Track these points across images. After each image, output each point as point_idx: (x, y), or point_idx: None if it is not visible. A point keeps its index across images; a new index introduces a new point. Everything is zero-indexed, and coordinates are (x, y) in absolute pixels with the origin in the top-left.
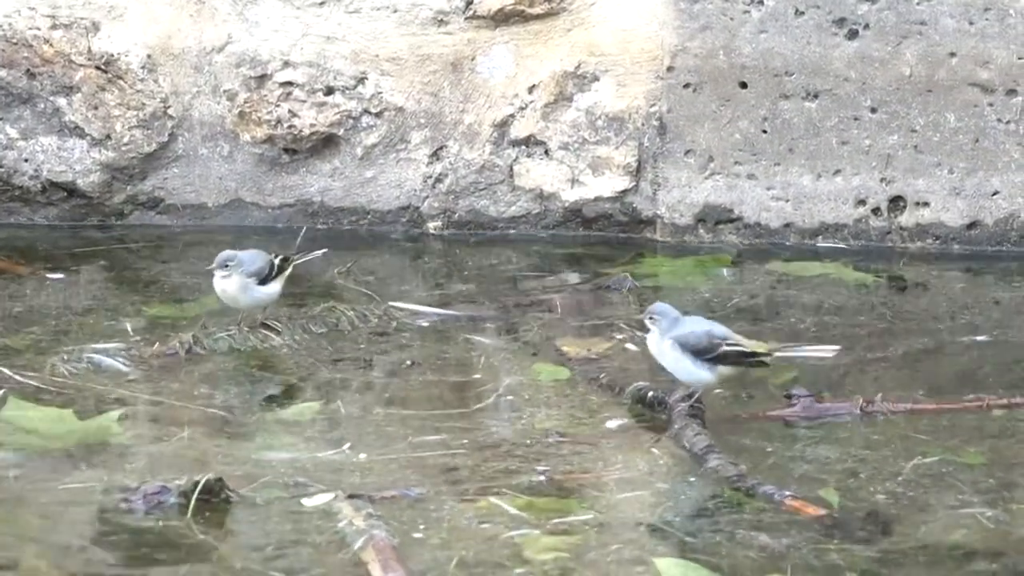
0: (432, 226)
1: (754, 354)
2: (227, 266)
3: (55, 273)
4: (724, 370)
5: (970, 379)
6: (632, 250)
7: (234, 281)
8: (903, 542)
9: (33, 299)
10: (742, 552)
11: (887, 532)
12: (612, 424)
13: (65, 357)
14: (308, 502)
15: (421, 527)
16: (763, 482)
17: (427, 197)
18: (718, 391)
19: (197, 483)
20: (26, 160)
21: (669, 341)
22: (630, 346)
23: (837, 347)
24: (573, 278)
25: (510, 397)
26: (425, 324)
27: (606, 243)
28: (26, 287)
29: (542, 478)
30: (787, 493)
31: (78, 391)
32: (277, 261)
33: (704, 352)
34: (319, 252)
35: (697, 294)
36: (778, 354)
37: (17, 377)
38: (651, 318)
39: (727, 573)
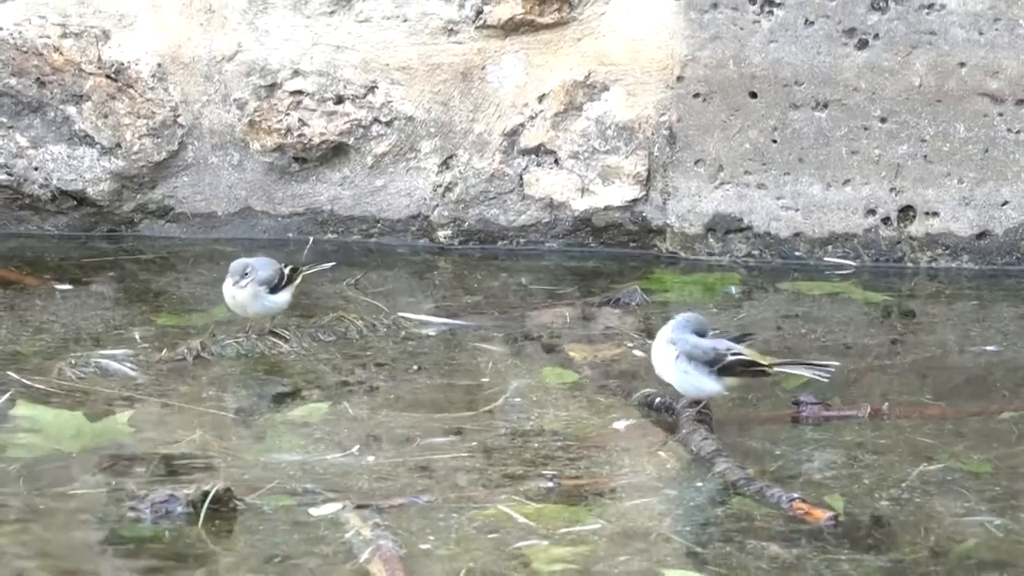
0: (442, 235)
1: (756, 364)
2: (246, 274)
3: (64, 284)
4: (730, 381)
5: (979, 387)
6: (642, 262)
7: (247, 289)
8: (913, 551)
9: (42, 309)
10: (753, 563)
11: (896, 541)
12: (619, 425)
13: (73, 362)
14: (315, 511)
15: (429, 537)
16: (770, 485)
17: (437, 206)
18: (725, 394)
19: (206, 493)
20: (36, 168)
21: (677, 354)
22: (638, 352)
23: (836, 363)
24: (583, 290)
25: (518, 399)
26: (434, 333)
27: (615, 256)
28: (35, 298)
29: (551, 484)
30: (794, 497)
31: (86, 395)
32: (287, 271)
33: (712, 363)
34: (327, 265)
35: (707, 312)
36: (777, 368)
37: (25, 381)
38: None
39: None
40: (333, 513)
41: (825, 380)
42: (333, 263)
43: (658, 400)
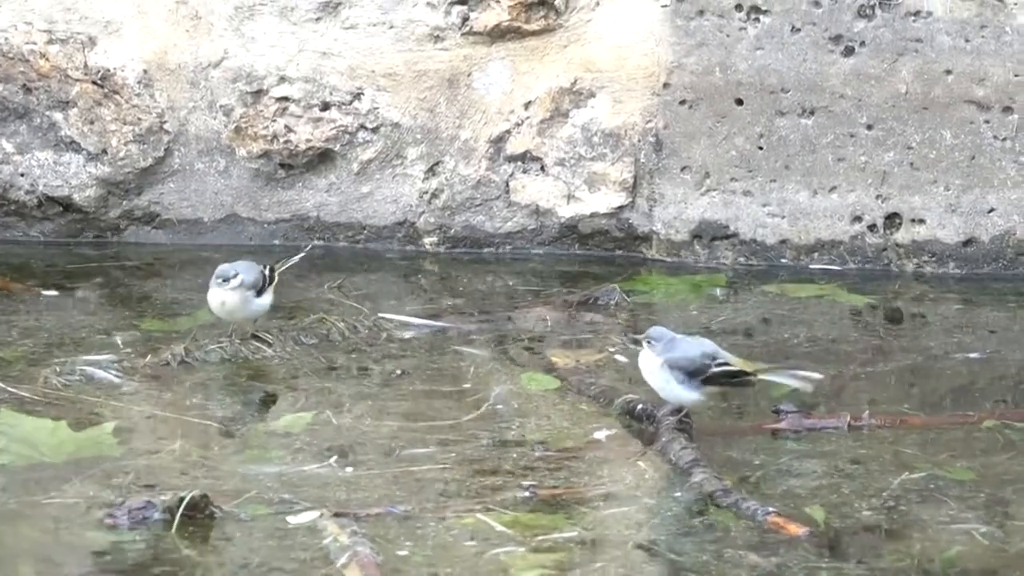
0: (428, 242)
1: (742, 373)
2: (235, 277)
3: (49, 290)
4: (712, 389)
5: (963, 395)
6: (628, 267)
7: (236, 293)
8: (897, 560)
9: (27, 315)
10: (732, 571)
11: (879, 549)
12: (600, 435)
13: (57, 369)
14: (293, 519)
15: (406, 544)
16: (746, 498)
17: (423, 213)
18: (705, 402)
19: (182, 499)
20: (22, 175)
21: (660, 362)
22: (620, 358)
23: (820, 376)
24: (566, 293)
25: (499, 407)
26: (415, 336)
27: (602, 260)
28: (19, 303)
29: (527, 494)
30: (770, 510)
31: (71, 403)
32: (267, 272)
33: (695, 373)
34: (298, 256)
35: (688, 312)
36: (762, 376)
37: (10, 389)
38: (648, 342)
39: None
40: (311, 521)
41: (809, 391)
42: (304, 252)
43: (639, 408)
